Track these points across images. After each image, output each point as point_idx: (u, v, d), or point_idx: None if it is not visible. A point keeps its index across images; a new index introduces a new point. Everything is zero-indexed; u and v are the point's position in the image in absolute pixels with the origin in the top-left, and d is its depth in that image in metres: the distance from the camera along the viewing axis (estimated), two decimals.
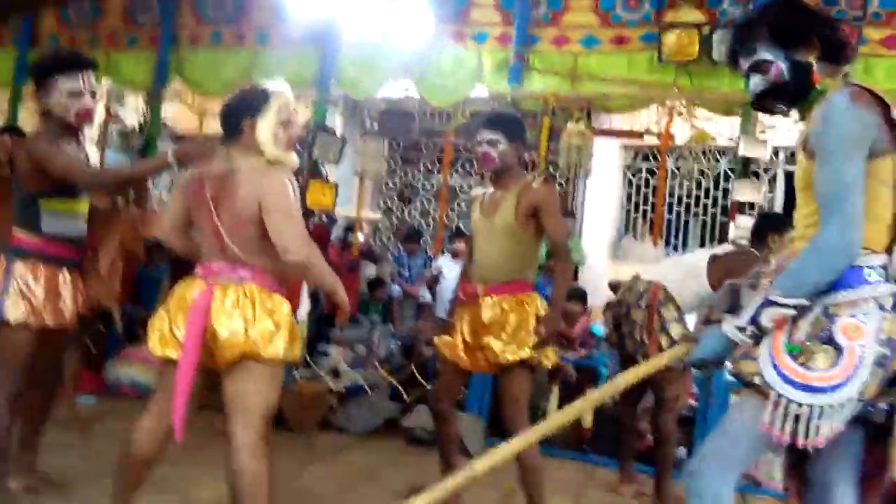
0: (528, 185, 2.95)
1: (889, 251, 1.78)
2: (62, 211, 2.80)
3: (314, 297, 6.51)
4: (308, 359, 4.92)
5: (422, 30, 4.79)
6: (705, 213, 7.15)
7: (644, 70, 4.46)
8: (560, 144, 5.54)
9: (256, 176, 2.33)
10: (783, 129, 4.77)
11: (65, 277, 2.82)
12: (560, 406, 4.49)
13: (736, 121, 4.55)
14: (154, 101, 5.56)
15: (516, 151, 3.02)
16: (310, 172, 5.12)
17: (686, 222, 7.28)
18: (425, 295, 7.42)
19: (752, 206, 5.78)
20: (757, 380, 1.74)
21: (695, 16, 4.35)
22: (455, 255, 7.04)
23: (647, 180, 7.29)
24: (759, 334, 1.76)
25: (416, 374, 4.76)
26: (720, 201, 6.99)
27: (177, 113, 7.27)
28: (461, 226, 8.13)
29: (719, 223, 6.82)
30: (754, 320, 1.76)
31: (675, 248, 7.34)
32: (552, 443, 4.33)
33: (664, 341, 3.59)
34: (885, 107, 1.77)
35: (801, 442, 1.66)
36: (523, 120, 4.93)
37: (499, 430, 4.46)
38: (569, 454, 4.29)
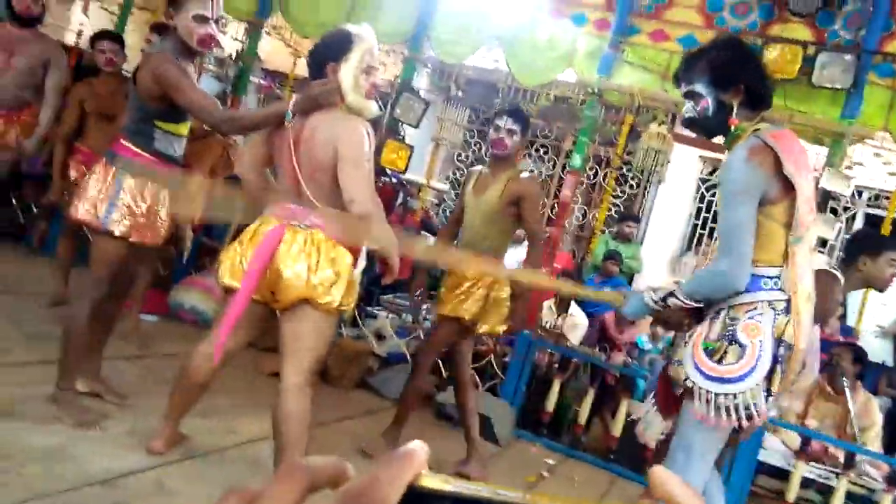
0: (516, 175, 3.34)
1: (782, 266, 2.16)
2: (172, 132, 2.87)
3: (370, 257, 6.62)
4: (357, 318, 5.04)
5: (522, 1, 4.77)
6: None
7: None
8: (639, 145, 5.47)
9: (335, 122, 2.38)
10: (870, 169, 4.59)
11: (165, 197, 2.90)
12: (593, 411, 4.51)
13: (823, 151, 4.40)
14: (254, 32, 5.70)
15: (522, 144, 3.46)
16: (388, 130, 5.20)
17: None
18: None
19: (824, 242, 5.61)
20: (688, 382, 2.13)
21: (803, 33, 4.20)
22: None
23: None
24: (665, 307, 2.24)
25: None
26: None
27: (273, 49, 7.47)
28: None
29: None
30: (664, 300, 2.23)
31: None
32: (580, 448, 4.36)
33: None
34: (799, 152, 2.11)
35: (744, 424, 2.06)
36: (606, 113, 4.92)
37: (529, 421, 4.53)
38: (596, 461, 4.27)
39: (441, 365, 4.80)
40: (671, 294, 2.21)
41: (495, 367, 4.67)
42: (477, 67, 6.18)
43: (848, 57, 3.94)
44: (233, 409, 3.37)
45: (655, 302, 2.26)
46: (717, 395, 2.07)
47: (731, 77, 2.19)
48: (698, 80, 2.22)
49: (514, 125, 3.33)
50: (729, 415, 2.06)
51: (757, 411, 2.05)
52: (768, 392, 2.11)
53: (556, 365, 4.68)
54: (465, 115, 8.64)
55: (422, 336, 5.03)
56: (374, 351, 4.88)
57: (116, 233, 2.76)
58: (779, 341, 2.10)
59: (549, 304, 5.47)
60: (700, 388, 2.10)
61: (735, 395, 2.06)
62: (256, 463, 2.86)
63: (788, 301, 2.13)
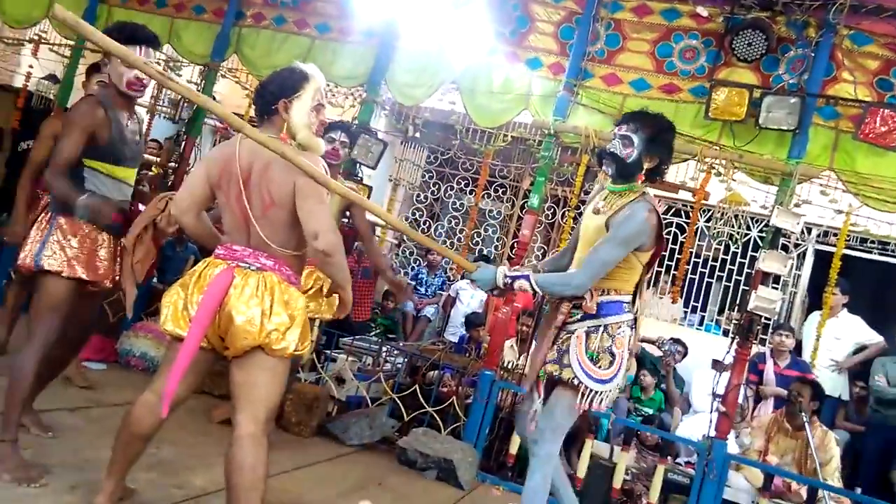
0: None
1: (634, 294, 2.86)
2: (103, 173, 2.88)
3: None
4: (315, 361, 4.93)
5: (479, 45, 4.85)
6: (729, 279, 7.08)
7: (689, 123, 4.45)
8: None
9: (291, 152, 2.31)
10: (818, 207, 4.72)
11: (103, 239, 2.90)
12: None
13: (772, 190, 4.51)
14: (209, 74, 5.67)
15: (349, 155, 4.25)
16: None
17: (709, 284, 7.22)
18: (428, 312, 7.42)
19: (777, 278, 5.72)
20: (575, 381, 2.75)
21: (749, 77, 4.34)
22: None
23: (675, 236, 7.25)
24: (510, 289, 2.81)
25: (419, 394, 4.70)
26: (745, 269, 6.92)
27: (229, 91, 7.44)
28: (486, 252, 8.15)
29: (741, 291, 6.75)
30: (514, 280, 2.78)
31: (694, 310, 7.26)
32: None
33: None
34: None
35: (594, 408, 2.79)
36: (562, 153, 4.98)
37: (492, 463, 4.45)
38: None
39: (403, 409, 4.72)
40: (524, 278, 2.76)
41: (457, 409, 4.59)
42: (434, 109, 6.24)
43: (793, 100, 4.08)
44: (181, 460, 3.23)
45: (506, 278, 2.78)
46: (592, 391, 2.74)
47: (658, 149, 2.86)
48: (637, 134, 2.83)
49: (345, 139, 3.96)
50: (599, 404, 2.77)
51: (608, 402, 2.84)
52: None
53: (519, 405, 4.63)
54: (423, 156, 8.70)
55: (382, 379, 4.94)
56: (334, 395, 4.76)
57: (46, 267, 2.76)
58: (630, 351, 2.85)
59: (510, 344, 5.44)
60: (585, 385, 2.74)
61: (606, 392, 2.77)
62: None
63: (636, 320, 2.86)
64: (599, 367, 2.74)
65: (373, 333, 6.44)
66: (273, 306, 2.29)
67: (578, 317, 2.82)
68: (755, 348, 5.18)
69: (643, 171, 2.84)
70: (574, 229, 3.14)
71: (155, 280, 5.74)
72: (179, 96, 6.89)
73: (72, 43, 6.06)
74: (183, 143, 5.83)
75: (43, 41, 6.30)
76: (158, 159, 6.63)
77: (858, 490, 4.48)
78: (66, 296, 2.80)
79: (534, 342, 3.07)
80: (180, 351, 2.27)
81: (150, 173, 6.39)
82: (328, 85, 3.22)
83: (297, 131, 2.37)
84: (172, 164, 5.98)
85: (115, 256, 2.94)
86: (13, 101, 7.10)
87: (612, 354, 2.76)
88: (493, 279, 2.80)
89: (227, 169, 2.36)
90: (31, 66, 6.89)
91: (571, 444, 5.04)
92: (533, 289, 2.76)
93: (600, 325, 2.78)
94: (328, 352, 5.08)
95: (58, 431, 3.14)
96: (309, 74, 2.43)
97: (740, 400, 4.44)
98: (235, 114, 5.10)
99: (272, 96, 2.39)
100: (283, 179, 2.30)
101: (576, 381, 2.74)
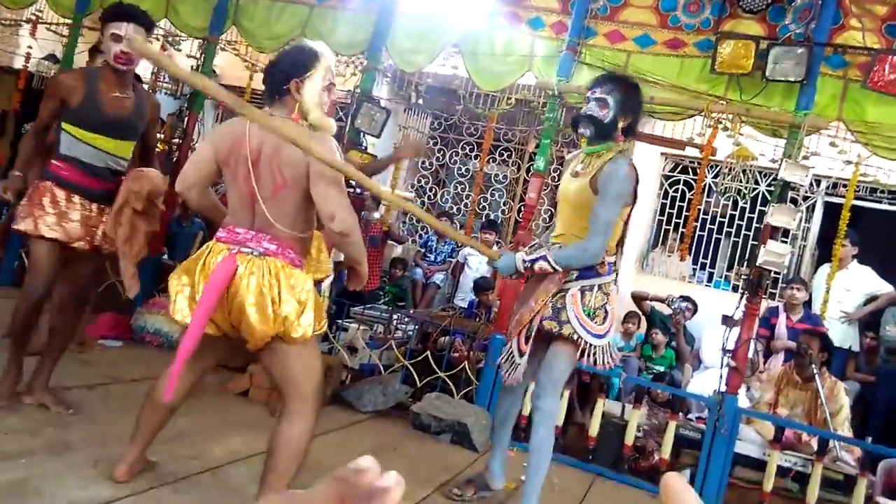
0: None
1: (616, 254, 3.06)
2: (80, 139, 3.02)
3: (336, 270, 6.57)
4: (327, 331, 4.97)
5: (479, 7, 4.78)
6: (737, 234, 7.05)
7: (695, 78, 4.40)
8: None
9: (303, 138, 2.27)
10: (827, 159, 4.68)
11: (75, 202, 3.02)
12: (569, 412, 4.51)
13: (780, 143, 4.47)
14: (209, 48, 5.62)
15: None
16: (350, 141, 5.15)
17: (717, 241, 7.20)
18: (438, 279, 7.45)
19: (786, 232, 5.69)
20: (575, 336, 2.91)
21: (755, 28, 4.27)
22: (484, 244, 7.04)
23: (683, 193, 7.21)
24: (531, 269, 2.94)
25: (431, 361, 4.74)
26: (754, 224, 6.89)
27: (228, 64, 7.37)
28: (493, 216, 8.14)
29: (750, 246, 6.73)
30: (533, 263, 2.92)
31: (703, 267, 7.26)
32: (558, 450, 4.34)
33: None
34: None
35: (600, 366, 2.97)
36: (567, 114, 4.93)
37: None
38: (575, 462, 4.24)
39: (416, 376, 4.77)
40: (542, 259, 2.90)
41: (469, 374, 4.64)
42: (436, 74, 6.17)
43: (800, 50, 4.01)
44: (198, 431, 3.29)
45: (525, 263, 2.93)
46: (591, 345, 2.92)
47: (631, 107, 3.03)
48: (611, 95, 2.99)
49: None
50: (595, 357, 2.93)
51: (611, 354, 2.99)
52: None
53: None
54: (426, 123, 8.64)
55: (394, 347, 4.99)
56: (347, 364, 4.82)
57: (22, 228, 2.96)
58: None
59: None
60: (584, 340, 2.92)
61: (602, 346, 2.95)
62: (228, 488, 2.79)
63: (616, 277, 3.08)
64: (595, 322, 2.94)
65: (381, 301, 6.48)
66: (281, 293, 2.26)
67: (574, 277, 2.98)
68: (765, 303, 5.18)
69: (619, 130, 3.02)
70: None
71: (165, 256, 5.78)
72: None
73: (69, 22, 6.02)
74: (186, 118, 5.81)
75: (40, 21, 6.25)
76: (162, 136, 6.62)
77: (869, 440, 4.52)
78: (44, 257, 2.98)
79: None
80: (184, 339, 2.27)
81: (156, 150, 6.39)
82: None
83: (310, 111, 2.33)
84: (176, 141, 5.96)
85: (93, 222, 3.08)
86: (14, 83, 7.09)
87: (606, 311, 2.97)
88: (514, 265, 2.95)
89: (235, 147, 2.32)
90: (29, 47, 6.87)
91: (584, 404, 5.10)
92: (553, 267, 2.89)
93: (594, 285, 2.96)
94: (340, 321, 5.13)
95: (77, 408, 3.20)
96: (320, 53, 2.38)
97: (750, 354, 4.46)
98: (237, 87, 5.11)
99: (283, 76, 2.34)
100: (297, 161, 2.26)
101: (575, 337, 2.92)
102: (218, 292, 2.24)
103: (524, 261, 2.93)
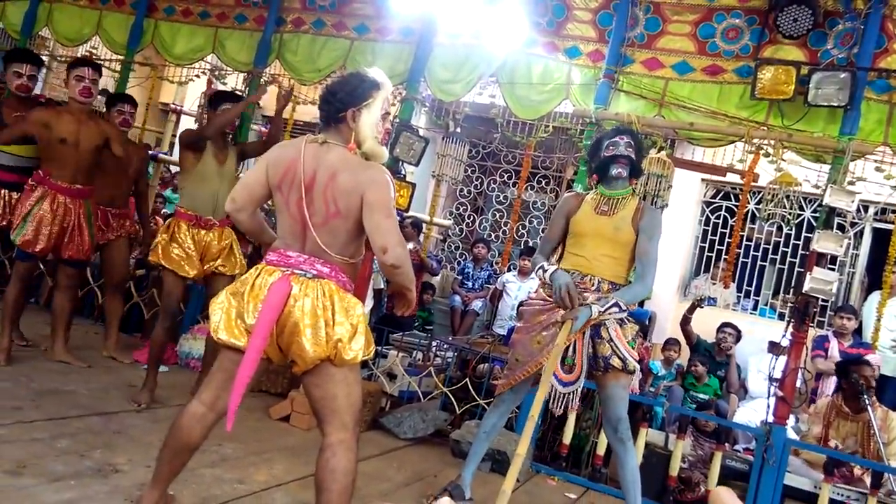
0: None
1: None
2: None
3: (377, 296, 6.62)
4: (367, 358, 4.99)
5: (516, 36, 4.83)
6: (783, 262, 6.91)
7: (735, 104, 4.37)
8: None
9: (358, 169, 2.25)
10: (874, 184, 4.57)
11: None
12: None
13: (825, 168, 4.39)
14: (253, 80, 5.79)
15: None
16: (390, 170, 5.21)
17: (762, 268, 7.06)
18: (476, 306, 7.43)
19: (833, 259, 5.55)
20: (629, 365, 3.17)
21: (795, 54, 4.23)
22: (522, 272, 7.03)
23: (725, 220, 7.11)
24: (602, 319, 3.14)
25: (470, 387, 4.73)
26: (800, 250, 6.75)
27: (272, 96, 7.55)
28: (531, 244, 8.13)
29: (796, 273, 6.59)
30: (607, 310, 3.11)
31: (748, 295, 7.12)
32: (600, 479, 4.27)
33: None
34: None
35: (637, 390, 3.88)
36: None
37: (546, 454, 4.45)
38: (616, 492, 4.01)
39: (455, 402, 4.76)
40: (614, 306, 3.12)
41: None
42: (474, 103, 6.24)
43: (843, 75, 3.96)
44: (242, 456, 3.33)
45: (600, 313, 3.10)
46: (637, 373, 3.28)
47: (641, 156, 3.46)
48: (633, 144, 3.35)
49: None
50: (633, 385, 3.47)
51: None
52: None
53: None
54: (464, 151, 8.72)
55: (433, 373, 4.99)
56: (386, 390, 4.83)
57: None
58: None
59: None
60: (636, 368, 3.21)
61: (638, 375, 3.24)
62: None
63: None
64: (635, 351, 3.20)
65: (415, 326, 6.51)
66: (335, 315, 2.24)
67: (608, 309, 3.18)
68: (812, 331, 5.05)
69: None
70: (551, 226, 3.46)
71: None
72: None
73: (121, 58, 6.27)
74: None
75: (95, 57, 6.52)
76: None
77: None
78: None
79: (543, 332, 3.23)
80: (242, 365, 2.20)
81: None
82: None
83: (365, 141, 2.30)
84: None
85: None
86: None
87: (634, 341, 3.25)
88: (590, 315, 3.10)
89: (289, 172, 2.29)
90: None
91: None
92: (624, 309, 3.16)
93: (624, 316, 3.20)
94: (379, 348, 5.15)
95: (125, 431, 3.28)
96: (380, 83, 2.35)
97: (798, 384, 4.35)
98: (282, 119, 5.19)
99: (341, 104, 2.30)
100: (351, 190, 2.23)
101: (630, 366, 3.17)
102: (276, 312, 2.19)
103: (600, 311, 3.10)
